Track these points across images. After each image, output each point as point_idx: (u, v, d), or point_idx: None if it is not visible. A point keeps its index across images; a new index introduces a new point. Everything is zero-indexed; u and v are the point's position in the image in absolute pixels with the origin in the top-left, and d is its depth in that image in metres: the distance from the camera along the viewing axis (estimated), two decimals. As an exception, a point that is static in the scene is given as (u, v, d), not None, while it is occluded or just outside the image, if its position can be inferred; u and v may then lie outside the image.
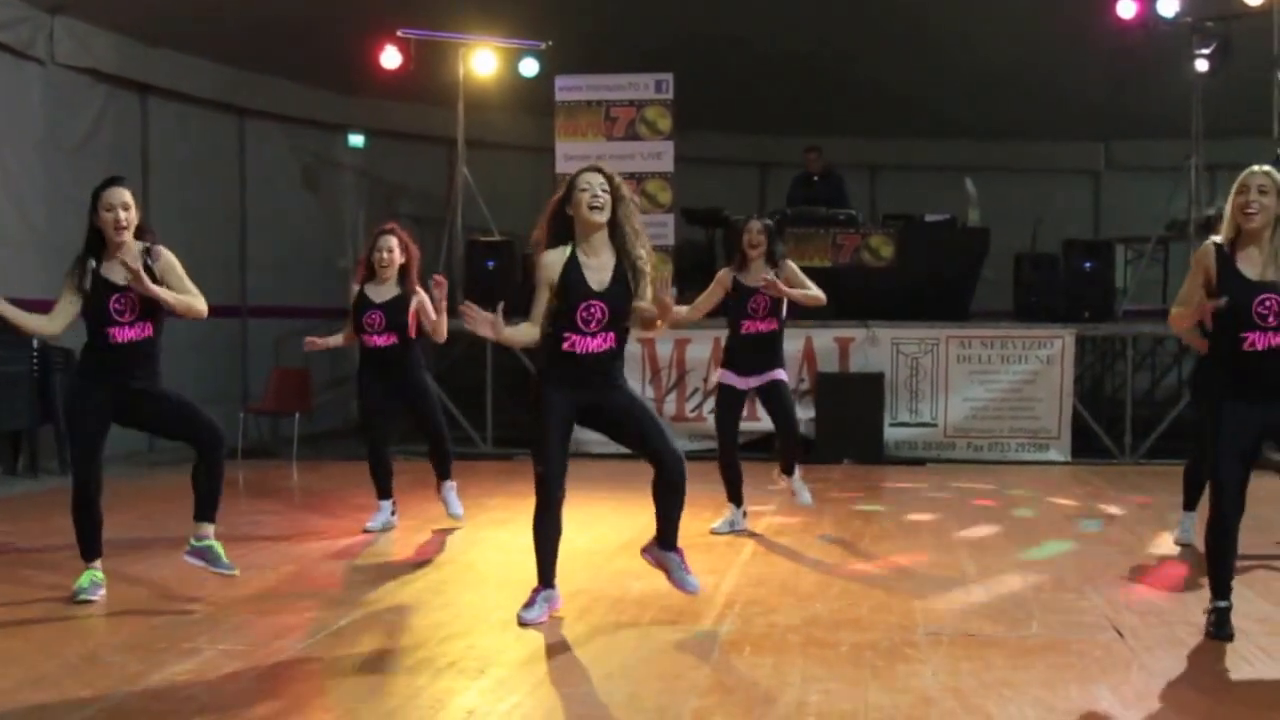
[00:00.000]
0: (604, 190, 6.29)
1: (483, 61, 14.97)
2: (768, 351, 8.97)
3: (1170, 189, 14.69)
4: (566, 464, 6.42)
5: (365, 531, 9.10)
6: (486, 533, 9.13)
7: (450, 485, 9.34)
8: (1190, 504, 8.45)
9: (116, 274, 6.67)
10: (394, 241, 8.99)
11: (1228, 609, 6.26)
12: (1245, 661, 5.86)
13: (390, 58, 14.58)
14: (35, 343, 11.81)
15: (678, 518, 6.53)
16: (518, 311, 6.42)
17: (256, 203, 15.46)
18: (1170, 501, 10.23)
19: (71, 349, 12.01)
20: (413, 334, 9.06)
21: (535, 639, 6.20)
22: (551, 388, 6.38)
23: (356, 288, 9.08)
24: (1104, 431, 13.35)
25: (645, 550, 6.76)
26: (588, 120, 14.55)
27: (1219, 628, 6.23)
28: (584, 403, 6.39)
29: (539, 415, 6.40)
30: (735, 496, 9.17)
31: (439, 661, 5.78)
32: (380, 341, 8.99)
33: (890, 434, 13.28)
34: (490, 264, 14.19)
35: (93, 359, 6.82)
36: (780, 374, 9.00)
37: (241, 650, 5.93)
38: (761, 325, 8.90)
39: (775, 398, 9.01)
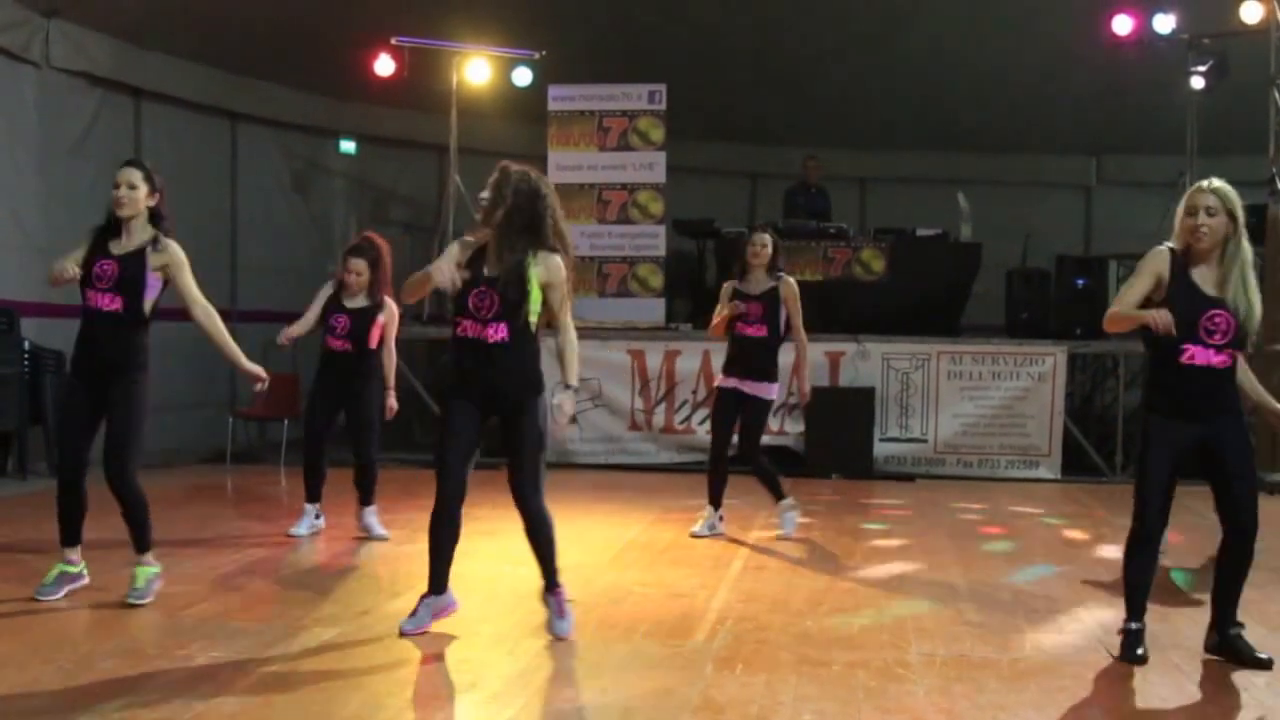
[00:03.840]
0: (489, 190, 6.34)
1: (476, 70, 14.95)
2: (757, 356, 9.32)
3: (1163, 205, 14.69)
4: (465, 468, 6.43)
5: (289, 536, 9.16)
6: (473, 544, 9.01)
7: (370, 510, 9.39)
8: None
9: (115, 245, 6.85)
10: (362, 264, 9.12)
11: (1140, 630, 6.23)
12: (1240, 687, 5.87)
13: (384, 65, 14.56)
14: (26, 344, 11.77)
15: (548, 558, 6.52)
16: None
17: (247, 207, 15.42)
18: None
19: (62, 351, 11.99)
20: (372, 345, 9.20)
21: (526, 652, 6.18)
22: (453, 386, 6.46)
23: (332, 289, 9.23)
24: (1094, 449, 13.34)
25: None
26: (580, 130, 14.52)
27: (1130, 650, 6.18)
28: (488, 407, 6.38)
29: (443, 412, 6.53)
30: (715, 500, 9.46)
31: (431, 674, 5.75)
32: (338, 346, 9.17)
33: (880, 449, 13.26)
34: (481, 272, 14.13)
35: (79, 333, 6.92)
36: (768, 392, 9.37)
37: (233, 658, 5.90)
38: (750, 330, 9.30)
39: (751, 415, 9.38)
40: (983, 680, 5.81)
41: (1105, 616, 7.08)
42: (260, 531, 9.30)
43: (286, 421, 13.53)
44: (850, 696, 5.53)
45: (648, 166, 14.40)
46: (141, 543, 7.02)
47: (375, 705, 5.33)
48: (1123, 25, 14.11)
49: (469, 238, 6.52)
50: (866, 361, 13.37)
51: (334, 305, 9.18)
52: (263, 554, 8.48)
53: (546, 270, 6.29)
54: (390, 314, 9.21)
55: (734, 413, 9.38)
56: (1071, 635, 6.74)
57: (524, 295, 6.25)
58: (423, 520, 9.55)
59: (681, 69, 14.67)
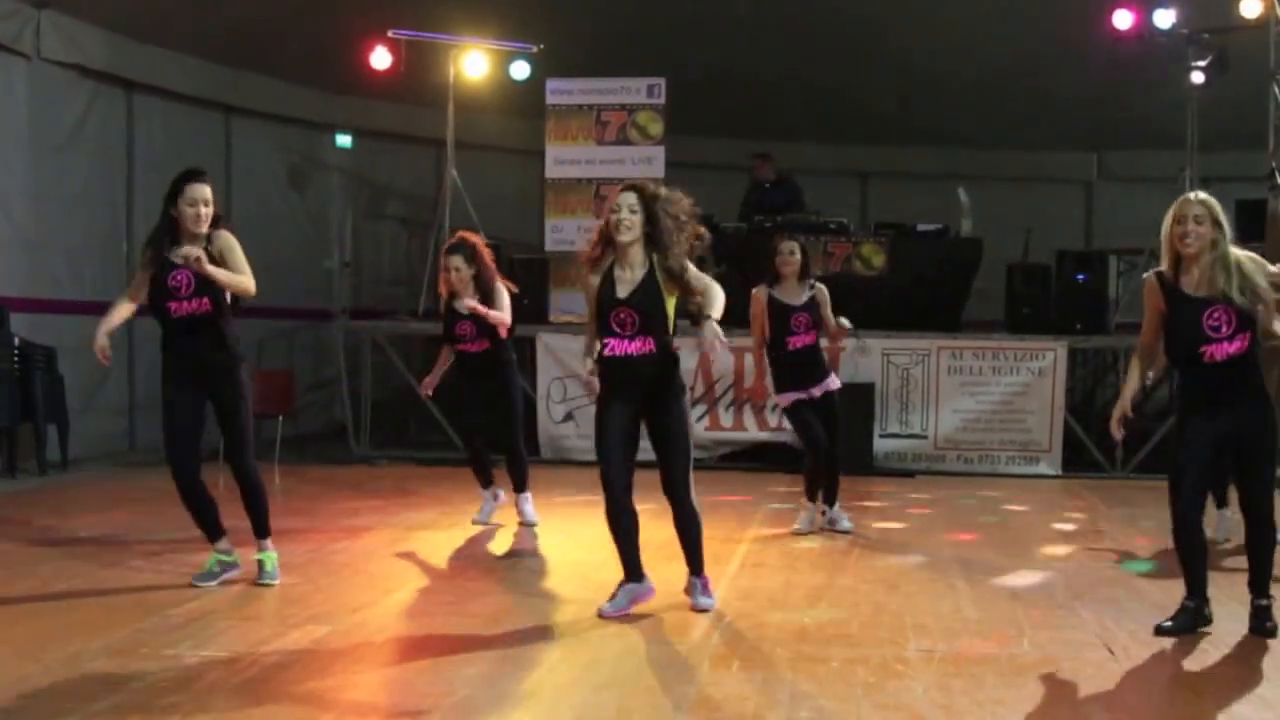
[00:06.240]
0: (632, 212, 6.63)
1: (473, 63, 14.86)
2: (816, 362, 9.35)
3: (1164, 200, 14.58)
4: (628, 463, 6.81)
5: (475, 523, 9.47)
6: (473, 544, 9.02)
7: (525, 497, 9.58)
8: (1221, 502, 8.92)
9: (176, 255, 7.07)
10: (459, 260, 9.18)
11: (1195, 608, 6.53)
12: (1240, 681, 5.81)
13: (380, 58, 14.46)
14: (16, 340, 11.67)
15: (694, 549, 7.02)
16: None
17: (242, 202, 15.26)
18: (1159, 516, 10.16)
19: (54, 347, 11.91)
20: (503, 334, 9.28)
21: (523, 651, 6.12)
22: (606, 394, 6.84)
23: (445, 300, 9.34)
24: (1095, 445, 13.25)
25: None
26: (579, 124, 14.45)
27: (1176, 622, 6.52)
28: (638, 407, 6.78)
29: (599, 419, 6.86)
30: (813, 494, 9.50)
31: (426, 673, 5.68)
32: (474, 349, 9.27)
33: (880, 445, 13.16)
34: (478, 268, 14.02)
35: (163, 337, 7.24)
36: (835, 383, 9.43)
37: (224, 658, 5.84)
38: (805, 339, 9.24)
39: (826, 410, 9.33)
40: (981, 676, 5.74)
41: (1103, 613, 7.02)
42: (252, 529, 9.19)
43: (280, 419, 13.39)
44: (848, 693, 5.46)
45: (646, 161, 14.31)
46: (263, 529, 7.56)
47: (369, 704, 5.27)
48: (1123, 20, 14.07)
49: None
50: (866, 357, 13.26)
51: (451, 317, 9.27)
52: (254, 552, 8.38)
53: (668, 271, 6.67)
54: (500, 292, 9.23)
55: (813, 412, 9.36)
56: (1070, 631, 6.65)
57: (661, 307, 6.71)
58: (418, 519, 9.58)
59: (681, 63, 14.60)
